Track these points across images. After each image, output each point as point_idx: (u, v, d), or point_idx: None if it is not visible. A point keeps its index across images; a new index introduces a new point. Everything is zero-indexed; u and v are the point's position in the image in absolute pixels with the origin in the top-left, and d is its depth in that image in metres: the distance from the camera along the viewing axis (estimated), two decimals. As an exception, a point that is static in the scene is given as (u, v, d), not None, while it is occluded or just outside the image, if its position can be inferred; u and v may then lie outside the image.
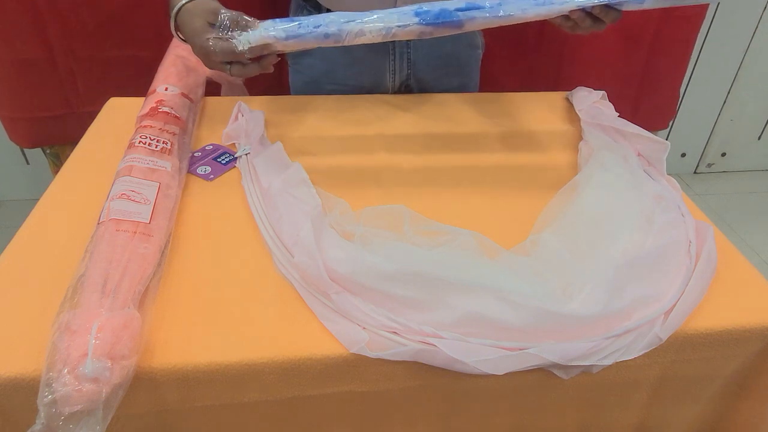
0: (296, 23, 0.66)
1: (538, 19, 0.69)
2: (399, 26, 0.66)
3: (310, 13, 0.96)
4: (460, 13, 0.67)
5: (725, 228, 1.88)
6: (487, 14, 0.67)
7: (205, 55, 0.67)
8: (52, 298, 0.53)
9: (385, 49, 0.96)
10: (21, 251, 0.63)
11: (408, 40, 0.96)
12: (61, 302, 0.52)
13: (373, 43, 0.94)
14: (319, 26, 0.66)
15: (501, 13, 0.68)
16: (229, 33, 0.65)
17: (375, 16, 0.66)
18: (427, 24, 0.66)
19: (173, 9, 0.69)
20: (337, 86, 1.01)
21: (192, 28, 0.68)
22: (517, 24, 0.72)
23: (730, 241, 0.69)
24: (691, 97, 1.90)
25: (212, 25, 0.67)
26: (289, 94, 1.05)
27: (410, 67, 0.99)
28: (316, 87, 1.02)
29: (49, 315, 0.51)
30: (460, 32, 0.69)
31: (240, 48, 0.64)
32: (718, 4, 0.69)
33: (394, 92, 1.03)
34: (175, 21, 0.70)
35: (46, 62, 1.30)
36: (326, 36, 0.66)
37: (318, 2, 0.92)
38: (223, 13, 0.66)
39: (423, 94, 0.99)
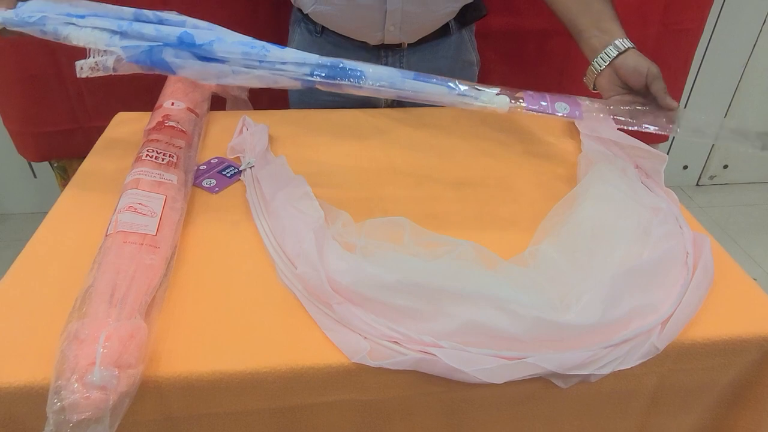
0: (13, 12, 0.67)
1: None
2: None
3: (306, 28, 0.99)
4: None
5: (728, 240, 1.88)
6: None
7: None
8: (60, 308, 0.54)
9: (377, 62, 0.98)
10: (30, 263, 0.64)
11: (401, 55, 0.98)
12: (69, 312, 0.53)
13: (368, 55, 0.95)
14: (32, 20, 0.66)
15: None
16: None
17: (88, 28, 0.66)
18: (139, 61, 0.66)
19: None
20: (333, 97, 1.02)
21: None
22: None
23: (731, 253, 0.69)
24: (693, 109, 1.91)
25: None
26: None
27: None
28: (311, 94, 1.04)
29: (57, 325, 0.52)
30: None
31: None
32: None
33: (387, 105, 1.04)
34: None
35: (54, 78, 1.32)
36: (43, 33, 0.67)
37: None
38: None
39: (422, 108, 1.01)
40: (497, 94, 0.71)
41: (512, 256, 0.65)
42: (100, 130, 0.92)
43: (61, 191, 0.77)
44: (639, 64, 0.74)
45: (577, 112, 0.72)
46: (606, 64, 0.75)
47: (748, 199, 2.10)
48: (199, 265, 0.64)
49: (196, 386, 0.52)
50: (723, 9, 1.71)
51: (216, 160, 0.84)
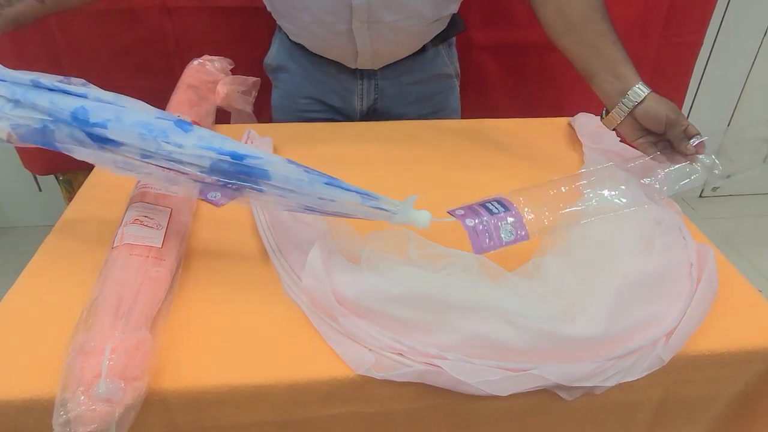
0: None
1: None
2: None
3: (286, 35, 1.01)
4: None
5: (732, 251, 1.87)
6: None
7: None
8: (66, 320, 0.55)
9: (353, 72, 1.00)
10: (37, 275, 0.65)
11: (374, 71, 1.00)
12: (75, 325, 0.53)
13: (342, 64, 0.98)
14: None
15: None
16: None
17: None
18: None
19: None
20: (309, 101, 1.04)
21: None
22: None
23: (736, 264, 0.69)
24: (695, 121, 1.90)
25: None
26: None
27: (377, 93, 1.02)
28: (289, 101, 1.06)
29: (63, 337, 0.52)
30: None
31: None
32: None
33: (362, 116, 1.05)
34: None
35: (61, 92, 1.34)
36: None
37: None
38: None
39: (423, 121, 1.02)
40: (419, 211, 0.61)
41: (516, 268, 0.65)
42: (106, 144, 0.92)
43: (67, 204, 0.77)
44: (658, 113, 0.72)
45: (523, 232, 0.62)
46: (626, 115, 0.73)
47: (753, 211, 2.09)
48: (204, 278, 0.65)
49: (202, 399, 0.53)
50: (724, 21, 1.72)
51: None
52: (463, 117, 1.13)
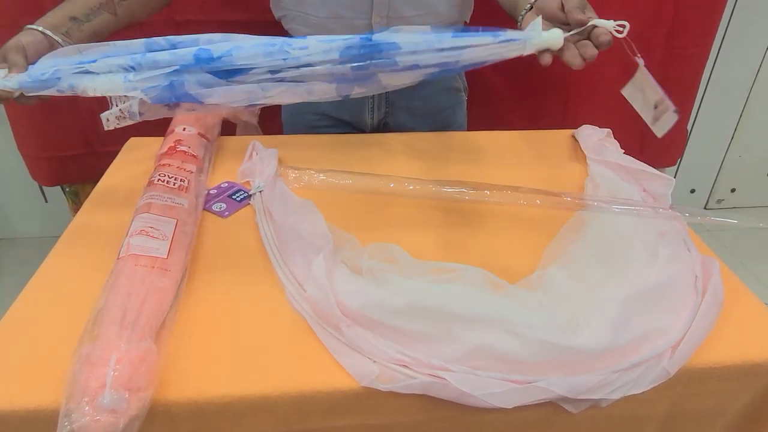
0: (27, 75, 0.64)
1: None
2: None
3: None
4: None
5: (737, 264, 1.86)
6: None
7: None
8: (72, 331, 0.55)
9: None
10: (43, 286, 0.65)
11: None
12: (80, 335, 0.53)
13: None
14: (44, 77, 0.63)
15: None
16: None
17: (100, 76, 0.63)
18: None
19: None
20: (319, 116, 1.04)
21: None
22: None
23: (741, 277, 0.69)
24: (699, 134, 1.92)
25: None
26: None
27: (388, 106, 1.02)
28: (299, 117, 1.06)
29: (69, 348, 0.52)
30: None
31: None
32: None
33: (373, 129, 1.06)
34: None
35: (68, 103, 1.35)
36: (60, 91, 0.64)
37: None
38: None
39: (429, 133, 1.02)
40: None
41: (520, 280, 0.65)
42: (113, 155, 0.93)
43: (73, 215, 0.78)
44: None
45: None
46: (529, 9, 0.68)
47: (761, 223, 2.08)
48: (209, 288, 0.65)
49: (206, 409, 0.52)
50: (727, 32, 1.72)
51: (226, 184, 0.85)
52: (468, 129, 1.13)
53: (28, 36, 0.68)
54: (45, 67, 0.65)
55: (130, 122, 0.65)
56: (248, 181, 0.85)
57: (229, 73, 0.60)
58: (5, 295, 0.64)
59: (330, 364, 0.56)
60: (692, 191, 2.10)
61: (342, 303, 0.58)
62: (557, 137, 1.02)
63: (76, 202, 1.55)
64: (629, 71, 1.53)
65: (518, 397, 0.53)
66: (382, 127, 1.06)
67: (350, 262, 0.65)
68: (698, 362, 0.58)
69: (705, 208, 2.14)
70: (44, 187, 1.79)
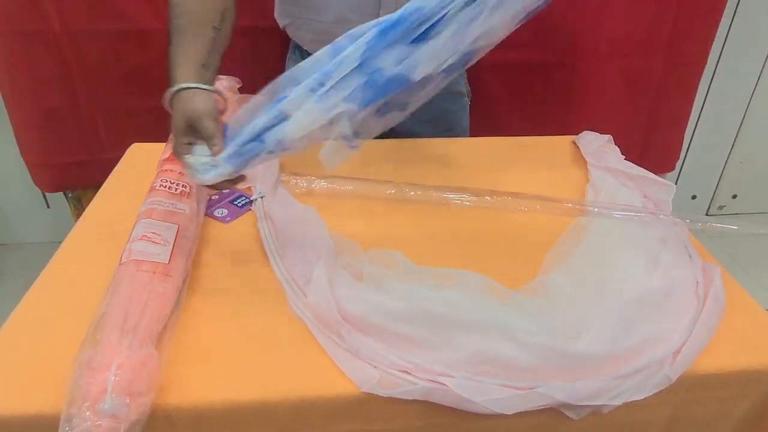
0: (232, 149, 0.58)
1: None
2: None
3: (300, 56, 1.00)
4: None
5: (738, 270, 1.86)
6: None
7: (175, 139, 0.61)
8: (74, 336, 0.55)
9: None
10: (45, 291, 0.65)
11: None
12: (82, 340, 0.53)
13: None
14: (249, 145, 0.57)
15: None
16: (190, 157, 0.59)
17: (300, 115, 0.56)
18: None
19: (173, 86, 0.62)
20: None
21: (174, 117, 0.62)
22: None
23: (742, 283, 0.69)
24: (700, 140, 1.92)
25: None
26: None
27: None
28: None
29: (70, 353, 0.52)
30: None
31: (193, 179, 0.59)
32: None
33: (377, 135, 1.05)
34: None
35: (70, 111, 1.36)
36: (270, 152, 0.58)
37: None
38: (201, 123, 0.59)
39: (431, 139, 1.02)
40: None
41: (521, 286, 0.65)
42: (115, 161, 0.93)
43: (75, 221, 0.78)
44: None
45: None
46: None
47: (761, 229, 2.08)
48: (210, 294, 0.65)
49: (206, 415, 0.52)
50: (727, 40, 1.73)
51: (227, 190, 0.85)
52: (470, 135, 1.14)
53: (195, 98, 0.60)
54: (240, 132, 0.57)
55: (351, 150, 0.58)
56: (250, 187, 0.85)
57: (421, 35, 0.53)
58: (8, 301, 0.64)
59: (331, 369, 0.56)
60: (693, 197, 2.10)
61: (343, 308, 0.58)
62: (558, 143, 1.02)
63: (79, 207, 1.56)
64: (630, 78, 1.54)
65: (519, 404, 0.53)
66: (387, 132, 1.06)
67: (351, 268, 0.65)
68: (700, 368, 0.58)
69: (707, 214, 2.14)
70: (47, 193, 1.79)
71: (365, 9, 0.88)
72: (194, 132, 0.60)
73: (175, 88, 0.61)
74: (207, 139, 0.59)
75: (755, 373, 0.59)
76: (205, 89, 0.61)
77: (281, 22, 1.00)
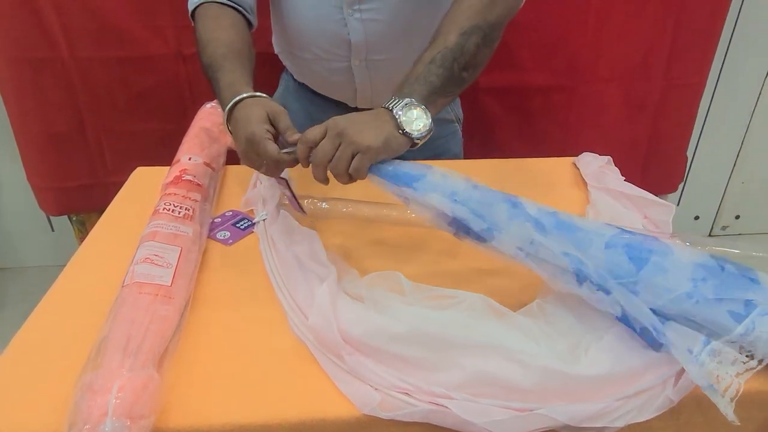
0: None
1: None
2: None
3: (291, 76, 1.06)
4: None
5: (744, 291, 1.85)
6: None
7: (249, 141, 0.67)
8: (76, 359, 0.55)
9: (354, 111, 1.02)
10: (48, 314, 0.65)
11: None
12: (84, 363, 0.54)
13: (340, 102, 1.01)
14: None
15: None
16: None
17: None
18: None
19: (234, 99, 0.70)
20: None
21: (247, 115, 0.68)
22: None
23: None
24: (701, 161, 1.92)
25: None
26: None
27: None
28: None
29: (72, 375, 0.53)
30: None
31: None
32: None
33: None
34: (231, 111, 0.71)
35: (76, 135, 1.38)
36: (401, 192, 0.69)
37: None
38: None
39: (429, 162, 1.03)
40: None
41: (520, 309, 0.65)
42: (118, 185, 0.94)
43: (79, 244, 0.79)
44: None
45: None
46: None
47: (762, 250, 2.07)
48: (212, 316, 0.65)
49: (207, 438, 0.52)
50: (725, 63, 1.74)
51: (230, 212, 0.86)
52: (469, 158, 1.15)
53: (268, 100, 0.71)
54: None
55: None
56: (252, 210, 0.86)
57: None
58: (12, 324, 0.65)
59: (332, 391, 0.56)
60: (696, 218, 2.10)
61: (344, 330, 0.58)
62: (558, 165, 1.03)
63: (83, 231, 1.57)
64: (629, 100, 1.55)
65: (520, 425, 0.53)
66: None
67: (352, 292, 0.65)
68: (702, 391, 0.57)
69: (710, 235, 2.14)
70: (51, 217, 1.80)
71: (338, 50, 0.93)
72: (270, 125, 0.68)
73: (248, 94, 0.71)
74: (283, 131, 0.68)
75: (759, 395, 0.58)
76: (267, 97, 0.72)
77: (275, 50, 1.06)
